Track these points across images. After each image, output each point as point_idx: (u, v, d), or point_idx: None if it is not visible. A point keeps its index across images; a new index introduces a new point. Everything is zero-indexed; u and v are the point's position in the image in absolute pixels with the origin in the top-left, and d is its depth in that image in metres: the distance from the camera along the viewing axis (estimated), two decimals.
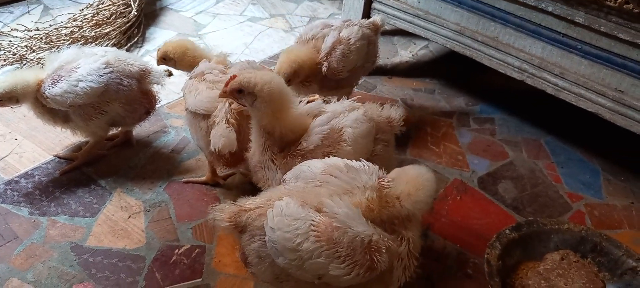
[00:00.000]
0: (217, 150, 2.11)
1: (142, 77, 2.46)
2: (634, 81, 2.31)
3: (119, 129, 2.64)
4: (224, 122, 2.13)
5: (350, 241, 1.55)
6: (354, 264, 1.55)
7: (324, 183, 1.69)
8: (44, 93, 2.33)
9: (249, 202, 1.73)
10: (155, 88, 2.57)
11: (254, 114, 1.99)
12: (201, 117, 2.23)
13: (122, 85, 2.37)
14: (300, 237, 1.56)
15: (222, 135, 2.10)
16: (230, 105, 2.16)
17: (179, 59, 2.52)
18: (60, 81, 2.33)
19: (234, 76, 1.95)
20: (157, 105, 2.62)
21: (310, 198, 1.64)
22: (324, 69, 2.54)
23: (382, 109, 2.15)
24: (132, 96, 2.43)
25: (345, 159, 1.78)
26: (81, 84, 2.31)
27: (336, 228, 1.56)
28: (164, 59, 2.53)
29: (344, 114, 2.01)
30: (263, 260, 1.68)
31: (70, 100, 2.32)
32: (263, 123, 1.97)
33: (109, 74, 2.35)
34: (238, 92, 1.94)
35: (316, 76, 2.57)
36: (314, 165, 1.76)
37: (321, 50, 2.55)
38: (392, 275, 1.65)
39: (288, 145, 1.99)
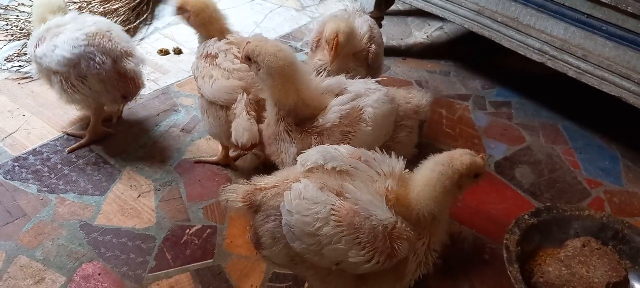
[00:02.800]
0: (241, 144, 2.06)
1: (119, 58, 2.31)
2: None
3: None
4: (244, 113, 2.08)
5: (372, 227, 1.50)
6: (375, 251, 1.50)
7: (351, 168, 1.62)
8: (33, 51, 2.31)
9: (264, 181, 1.68)
10: (141, 75, 2.41)
11: (262, 84, 1.95)
12: (219, 107, 2.18)
13: (94, 61, 2.24)
14: (320, 221, 1.51)
15: (245, 129, 2.06)
16: (247, 95, 2.12)
17: (194, 13, 2.29)
18: (43, 43, 2.29)
19: (249, 42, 1.92)
20: (142, 91, 2.48)
21: (330, 182, 1.59)
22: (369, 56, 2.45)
23: (410, 95, 2.08)
24: (105, 75, 2.28)
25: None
26: (57, 51, 2.25)
27: (357, 213, 1.51)
28: (180, 8, 2.33)
29: (365, 94, 1.95)
30: (277, 242, 1.62)
31: (45, 65, 2.28)
32: (272, 94, 1.92)
33: (84, 47, 2.23)
34: (247, 59, 1.93)
35: (361, 59, 2.46)
36: (341, 148, 1.70)
37: (362, 37, 2.46)
38: (406, 267, 1.59)
39: (304, 121, 1.94)
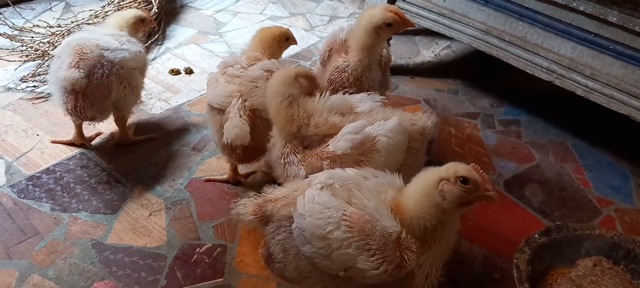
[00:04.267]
0: (229, 142, 2.11)
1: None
2: None
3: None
4: (238, 115, 2.13)
5: (382, 235, 1.52)
6: (384, 259, 1.51)
7: (357, 185, 1.65)
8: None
9: (274, 193, 1.72)
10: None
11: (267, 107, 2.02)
12: (217, 111, 2.23)
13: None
14: (331, 225, 1.54)
15: (235, 126, 2.10)
16: (243, 102, 2.16)
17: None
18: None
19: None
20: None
21: (340, 192, 1.62)
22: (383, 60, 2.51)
23: (415, 116, 2.10)
24: None
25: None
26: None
27: (368, 221, 1.53)
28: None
29: (379, 123, 1.96)
30: (287, 253, 1.66)
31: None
32: (275, 118, 1.97)
33: None
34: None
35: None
36: (348, 170, 1.74)
37: None
38: (414, 279, 1.60)
39: (312, 144, 1.95)
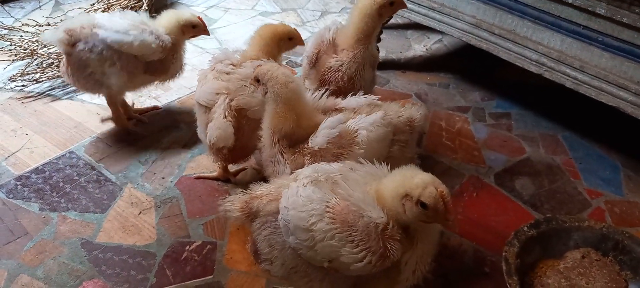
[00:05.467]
0: (211, 143, 2.12)
1: None
2: None
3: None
4: (222, 116, 2.12)
5: (365, 226, 1.52)
6: (368, 250, 1.52)
7: (343, 176, 1.65)
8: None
9: (260, 189, 1.73)
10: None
11: (266, 107, 1.97)
12: (204, 109, 2.23)
13: None
14: (315, 217, 1.55)
15: (218, 128, 2.11)
16: (229, 101, 2.15)
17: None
18: None
19: (260, 65, 1.98)
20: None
21: (325, 184, 1.63)
22: None
23: (402, 108, 2.09)
24: None
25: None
26: None
27: (352, 211, 1.54)
28: None
29: (361, 116, 1.96)
30: (273, 249, 1.67)
31: None
32: (272, 118, 1.94)
33: None
34: (256, 81, 1.96)
35: None
36: (333, 164, 1.74)
37: None
38: (400, 273, 1.60)
39: (297, 142, 1.95)
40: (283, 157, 1.94)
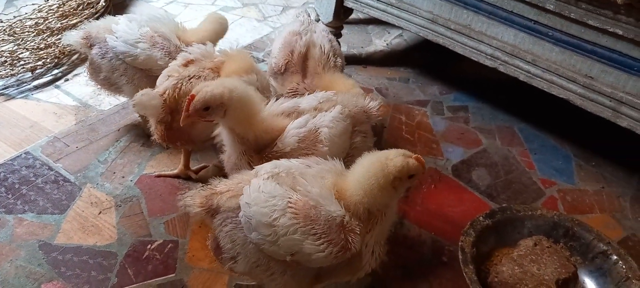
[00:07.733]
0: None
1: None
2: (604, 67, 2.32)
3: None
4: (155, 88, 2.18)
5: (327, 219, 1.57)
6: (329, 242, 1.56)
7: (301, 173, 1.69)
8: None
9: (220, 185, 1.74)
10: None
11: (226, 124, 1.91)
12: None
13: None
14: (277, 213, 1.58)
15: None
16: (175, 89, 2.15)
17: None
18: None
19: (193, 96, 1.80)
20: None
21: (285, 180, 1.66)
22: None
23: (357, 99, 2.13)
24: None
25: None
26: None
27: (313, 206, 1.58)
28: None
29: (321, 114, 1.99)
30: (235, 244, 1.68)
31: None
32: (237, 131, 1.91)
33: None
34: (204, 110, 1.81)
35: None
36: (293, 160, 1.77)
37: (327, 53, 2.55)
38: (361, 260, 1.66)
39: (264, 147, 1.96)
40: (251, 167, 1.92)
